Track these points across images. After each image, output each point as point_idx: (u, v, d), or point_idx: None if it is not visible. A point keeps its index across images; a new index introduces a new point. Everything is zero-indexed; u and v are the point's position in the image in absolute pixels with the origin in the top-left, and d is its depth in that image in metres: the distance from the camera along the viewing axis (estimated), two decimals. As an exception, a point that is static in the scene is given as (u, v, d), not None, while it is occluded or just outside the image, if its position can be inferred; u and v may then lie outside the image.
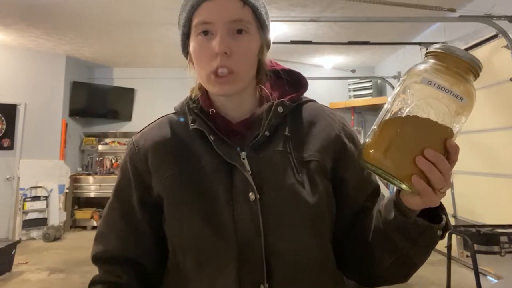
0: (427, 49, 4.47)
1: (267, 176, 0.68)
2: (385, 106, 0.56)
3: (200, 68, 0.70)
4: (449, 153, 0.53)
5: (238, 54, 0.67)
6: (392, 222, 0.61)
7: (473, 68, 0.54)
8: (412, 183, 0.52)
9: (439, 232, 0.60)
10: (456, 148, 0.53)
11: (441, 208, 0.60)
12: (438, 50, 0.55)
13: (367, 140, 0.56)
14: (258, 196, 0.66)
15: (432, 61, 0.55)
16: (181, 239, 0.70)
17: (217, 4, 0.67)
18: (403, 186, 0.54)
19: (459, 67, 0.53)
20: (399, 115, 0.53)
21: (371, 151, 0.54)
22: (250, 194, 0.66)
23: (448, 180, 0.53)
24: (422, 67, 0.55)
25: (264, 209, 0.65)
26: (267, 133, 0.70)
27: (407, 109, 0.53)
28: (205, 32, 0.68)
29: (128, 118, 6.45)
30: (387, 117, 0.54)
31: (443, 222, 0.60)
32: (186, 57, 0.76)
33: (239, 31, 0.68)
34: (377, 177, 0.64)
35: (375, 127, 0.56)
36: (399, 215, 0.59)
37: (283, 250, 0.65)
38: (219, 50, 0.65)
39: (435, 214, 0.60)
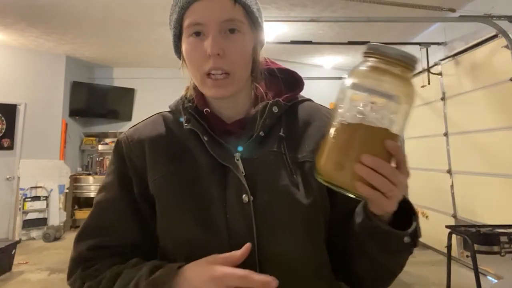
0: (427, 50, 4.48)
1: (261, 178, 0.67)
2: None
3: (193, 70, 0.68)
4: (393, 155, 0.51)
5: (231, 54, 0.66)
6: (360, 225, 0.61)
7: (407, 64, 0.51)
8: (357, 192, 0.51)
9: (407, 239, 0.58)
10: (396, 148, 0.51)
11: (413, 213, 0.60)
12: (369, 51, 0.53)
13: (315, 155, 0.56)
14: (251, 198, 0.64)
15: (365, 63, 0.53)
16: (172, 240, 0.68)
17: (207, 4, 0.65)
18: (351, 195, 0.53)
19: (391, 65, 0.51)
20: (335, 124, 0.52)
21: (318, 165, 0.54)
22: (244, 196, 0.64)
23: (399, 182, 0.51)
24: (354, 71, 0.53)
25: (258, 211, 0.64)
26: (261, 133, 0.69)
27: (340, 118, 0.51)
28: (197, 33, 0.66)
29: (128, 118, 6.45)
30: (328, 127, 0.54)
31: (411, 229, 0.58)
32: (179, 58, 0.74)
33: (231, 31, 0.66)
34: None
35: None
36: (365, 219, 0.59)
37: (277, 253, 0.64)
38: (212, 51, 0.64)
39: (406, 220, 0.59)
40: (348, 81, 0.52)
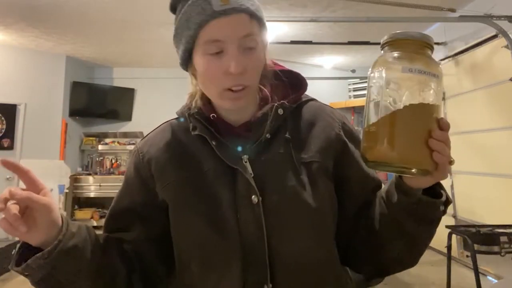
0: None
1: (269, 179, 0.69)
2: (369, 106, 0.58)
3: (211, 85, 0.69)
4: (442, 127, 0.56)
5: (251, 70, 0.67)
6: (397, 204, 0.63)
7: (429, 45, 0.57)
8: (424, 166, 0.55)
9: (442, 207, 0.62)
10: (448, 125, 0.56)
11: (439, 185, 0.63)
12: (396, 38, 0.58)
13: (365, 144, 0.58)
14: (260, 198, 0.67)
15: (396, 50, 0.57)
16: (186, 242, 0.71)
17: (225, 21, 0.64)
18: (415, 171, 0.56)
19: (421, 48, 0.57)
20: (396, 108, 0.55)
21: (379, 150, 0.55)
22: (253, 197, 0.67)
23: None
24: (392, 57, 0.57)
25: (267, 211, 0.66)
26: (268, 135, 0.71)
27: (402, 100, 0.54)
28: (214, 50, 0.66)
29: (128, 118, 6.45)
30: (382, 114, 0.55)
31: (444, 197, 0.62)
32: (186, 70, 0.75)
33: (249, 46, 0.67)
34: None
35: (373, 127, 0.57)
36: (402, 197, 0.62)
37: (286, 251, 0.66)
38: (236, 71, 0.64)
39: (434, 192, 0.63)
40: (395, 65, 0.56)
